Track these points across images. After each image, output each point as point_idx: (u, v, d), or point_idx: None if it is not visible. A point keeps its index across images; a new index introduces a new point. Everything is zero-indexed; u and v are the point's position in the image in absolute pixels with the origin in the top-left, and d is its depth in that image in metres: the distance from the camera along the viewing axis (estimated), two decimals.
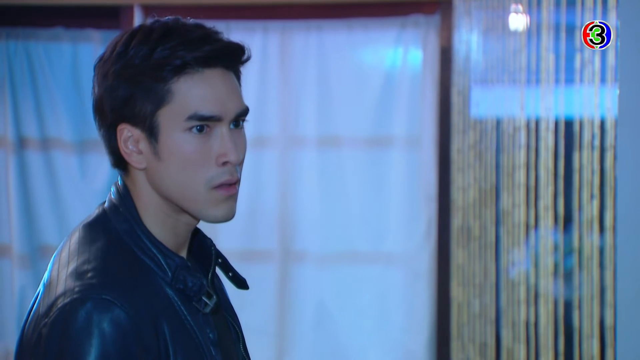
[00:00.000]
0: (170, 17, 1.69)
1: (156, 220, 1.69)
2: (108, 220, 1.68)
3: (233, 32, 4.45)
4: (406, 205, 4.46)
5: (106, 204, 1.72)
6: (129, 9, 4.41)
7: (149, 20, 1.70)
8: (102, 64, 1.67)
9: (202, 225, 1.79)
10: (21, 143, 4.61)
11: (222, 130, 1.67)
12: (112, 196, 1.72)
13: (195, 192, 1.67)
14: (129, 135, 1.65)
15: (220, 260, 1.82)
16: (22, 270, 4.56)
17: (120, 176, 1.73)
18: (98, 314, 1.53)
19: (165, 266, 1.66)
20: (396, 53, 4.46)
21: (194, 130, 1.64)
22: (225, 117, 1.67)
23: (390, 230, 4.48)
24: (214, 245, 1.82)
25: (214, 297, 1.70)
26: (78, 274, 1.59)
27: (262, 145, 4.50)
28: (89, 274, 1.58)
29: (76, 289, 1.56)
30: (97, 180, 4.62)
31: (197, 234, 1.81)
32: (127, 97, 1.63)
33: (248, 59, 1.71)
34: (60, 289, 1.58)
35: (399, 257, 4.47)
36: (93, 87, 1.69)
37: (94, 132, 2.00)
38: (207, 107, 1.65)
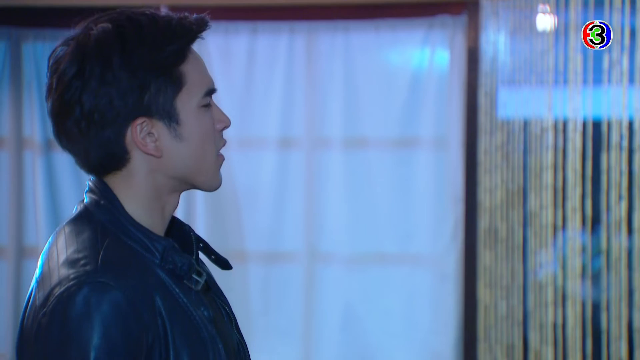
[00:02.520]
0: (103, 17, 1.75)
1: (143, 206, 1.70)
2: (91, 214, 1.69)
3: (259, 33, 4.45)
4: (433, 207, 4.44)
5: (86, 200, 1.72)
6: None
7: (87, 26, 1.78)
8: (92, 76, 1.64)
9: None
10: (48, 144, 4.63)
11: (210, 99, 1.75)
12: (90, 193, 1.72)
13: (209, 162, 1.73)
14: (144, 128, 1.66)
15: (201, 245, 1.83)
16: None
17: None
18: (96, 297, 1.54)
19: (152, 249, 1.67)
20: (423, 54, 4.44)
21: (206, 103, 1.71)
22: None
23: (417, 231, 4.46)
24: (192, 230, 1.83)
25: (204, 274, 1.72)
26: (70, 262, 1.60)
27: (288, 147, 4.50)
28: (82, 262, 1.59)
29: (71, 276, 1.57)
30: None
31: (174, 222, 1.82)
32: (143, 95, 1.64)
33: None
34: (54, 279, 1.59)
35: (426, 259, 4.46)
36: (75, 100, 1.64)
37: None
38: (211, 80, 1.74)
